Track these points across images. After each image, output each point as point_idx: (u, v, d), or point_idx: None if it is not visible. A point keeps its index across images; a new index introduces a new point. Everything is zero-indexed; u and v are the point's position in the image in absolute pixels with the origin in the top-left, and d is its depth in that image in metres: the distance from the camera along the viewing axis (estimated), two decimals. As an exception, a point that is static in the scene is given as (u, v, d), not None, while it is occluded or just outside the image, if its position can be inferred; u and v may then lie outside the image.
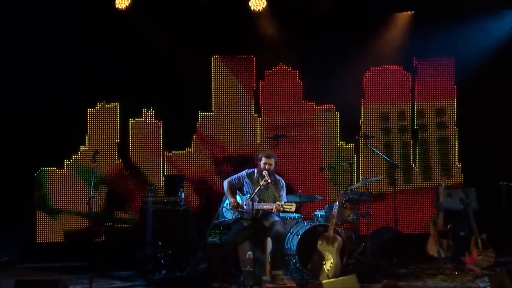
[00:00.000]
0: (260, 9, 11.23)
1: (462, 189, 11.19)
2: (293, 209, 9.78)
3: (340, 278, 8.97)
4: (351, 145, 12.13)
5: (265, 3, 11.15)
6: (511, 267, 9.54)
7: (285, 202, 9.66)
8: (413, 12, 11.84)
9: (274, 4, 11.31)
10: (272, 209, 9.62)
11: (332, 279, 9.02)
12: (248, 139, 12.01)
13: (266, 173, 9.56)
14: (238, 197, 9.79)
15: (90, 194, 9.34)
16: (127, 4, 11.06)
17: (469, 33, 11.90)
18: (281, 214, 10.19)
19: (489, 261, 10.33)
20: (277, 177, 9.96)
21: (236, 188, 9.95)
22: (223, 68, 12.07)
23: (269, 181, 9.52)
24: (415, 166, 12.35)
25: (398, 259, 10.77)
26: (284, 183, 9.96)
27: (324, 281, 8.56)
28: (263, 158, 9.71)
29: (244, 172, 9.96)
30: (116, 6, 11.05)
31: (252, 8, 11.22)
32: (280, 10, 11.48)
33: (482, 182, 11.62)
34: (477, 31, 11.90)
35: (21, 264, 11.08)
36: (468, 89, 12.18)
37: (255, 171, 9.85)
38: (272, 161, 9.72)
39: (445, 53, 12.10)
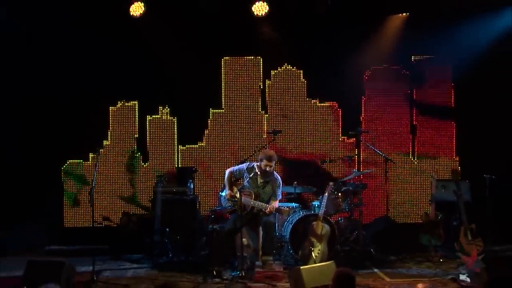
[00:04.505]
0: (263, 14, 11.26)
1: (455, 181, 10.84)
2: (285, 215, 9.91)
3: (318, 264, 9.14)
4: (352, 140, 12.04)
5: (267, 8, 11.18)
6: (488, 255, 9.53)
7: (279, 207, 9.70)
8: (407, 14, 11.67)
9: (276, 9, 11.28)
10: (266, 211, 9.56)
11: (310, 265, 9.04)
12: (256, 134, 12.07)
13: (257, 165, 9.61)
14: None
15: (92, 185, 9.48)
16: (141, 12, 11.20)
17: (463, 32, 11.68)
18: (279, 203, 10.14)
19: (478, 250, 10.08)
20: (275, 175, 9.91)
21: (236, 179, 9.96)
22: (232, 69, 12.15)
23: (258, 172, 9.58)
24: (414, 159, 12.21)
25: (391, 247, 10.77)
26: (280, 182, 9.93)
27: (302, 267, 8.58)
28: (264, 160, 9.62)
29: (244, 166, 9.93)
30: (131, 13, 11.19)
31: (255, 13, 11.25)
32: (283, 14, 11.45)
33: (477, 175, 11.29)
34: (471, 30, 11.69)
35: (49, 247, 11.41)
36: (464, 87, 11.98)
37: (255, 166, 9.76)
38: (273, 163, 9.67)
39: (440, 52, 11.87)
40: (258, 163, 9.70)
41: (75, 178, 11.94)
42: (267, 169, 9.59)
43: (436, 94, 12.21)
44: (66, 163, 11.96)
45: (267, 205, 9.56)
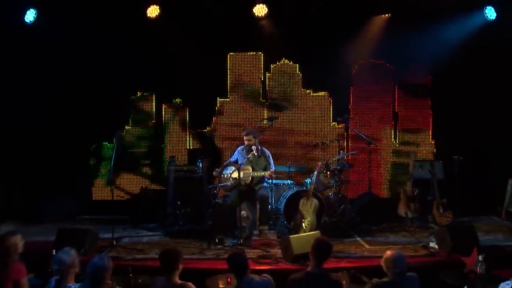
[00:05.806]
0: (263, 15, 11.74)
1: (430, 162, 11.65)
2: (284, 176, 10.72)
3: (306, 233, 9.65)
4: (341, 125, 12.59)
5: (266, 9, 11.67)
6: (452, 225, 10.37)
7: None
8: (389, 14, 12.18)
9: (275, 10, 11.76)
10: (266, 176, 10.42)
11: (298, 235, 9.54)
12: (257, 120, 12.56)
13: (255, 147, 10.36)
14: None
15: (111, 163, 10.16)
16: (157, 14, 11.68)
17: (441, 30, 12.04)
18: (274, 181, 11.00)
19: (447, 221, 10.85)
20: (263, 149, 10.71)
21: (235, 161, 10.75)
22: (237, 63, 12.75)
23: (255, 153, 10.34)
24: (395, 142, 12.86)
25: (373, 218, 11.32)
26: (269, 154, 10.71)
27: (291, 236, 9.12)
28: (244, 137, 10.50)
29: (236, 150, 10.88)
30: (148, 15, 11.68)
31: (256, 14, 11.72)
32: (281, 15, 11.90)
33: (450, 157, 12.00)
34: (448, 28, 11.99)
35: (80, 216, 12.17)
36: (441, 79, 12.49)
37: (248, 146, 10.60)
38: (251, 137, 10.45)
39: (419, 47, 12.21)
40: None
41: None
42: (246, 143, 10.44)
43: (415, 87, 12.72)
44: (94, 144, 12.68)
45: (266, 172, 10.41)
